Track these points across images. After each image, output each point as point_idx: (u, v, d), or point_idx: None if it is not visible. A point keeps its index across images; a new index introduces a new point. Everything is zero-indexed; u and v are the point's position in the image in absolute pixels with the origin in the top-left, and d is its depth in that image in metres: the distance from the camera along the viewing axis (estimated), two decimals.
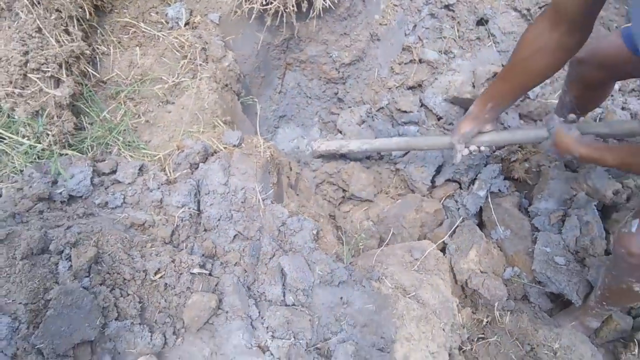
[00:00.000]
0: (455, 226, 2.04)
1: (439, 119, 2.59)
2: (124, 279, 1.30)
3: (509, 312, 1.81)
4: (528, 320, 1.81)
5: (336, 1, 2.24)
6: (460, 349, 1.76)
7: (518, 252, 1.95)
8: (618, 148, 1.51)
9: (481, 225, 2.11)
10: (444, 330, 1.62)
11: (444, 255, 1.94)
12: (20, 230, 1.25)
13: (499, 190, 2.06)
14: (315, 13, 2.21)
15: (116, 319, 1.24)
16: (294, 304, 1.46)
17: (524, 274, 1.93)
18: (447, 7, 2.78)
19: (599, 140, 1.62)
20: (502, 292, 1.84)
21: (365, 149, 2.28)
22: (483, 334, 1.83)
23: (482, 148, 1.89)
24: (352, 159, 2.50)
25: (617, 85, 2.53)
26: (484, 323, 1.83)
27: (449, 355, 1.67)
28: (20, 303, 1.17)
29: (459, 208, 2.13)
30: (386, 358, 1.46)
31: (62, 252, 1.26)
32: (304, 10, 2.21)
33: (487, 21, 2.75)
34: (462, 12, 2.77)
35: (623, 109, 2.42)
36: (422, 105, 2.63)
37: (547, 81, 2.59)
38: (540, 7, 2.61)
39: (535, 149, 2.12)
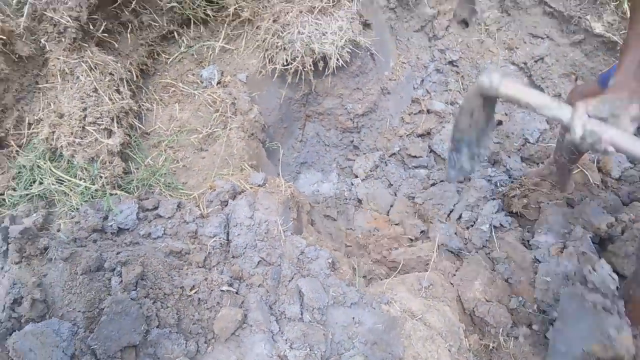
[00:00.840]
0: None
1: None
2: (165, 294, 1.52)
3: (513, 338, 1.94)
4: (531, 346, 1.93)
5: (348, 60, 2.54)
6: None
7: (522, 283, 2.09)
8: None
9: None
10: (449, 351, 1.76)
11: (452, 285, 2.10)
12: (80, 251, 1.50)
13: (501, 224, 2.23)
14: (330, 71, 2.51)
15: (157, 327, 1.45)
16: (310, 321, 1.64)
17: (529, 303, 2.06)
18: (451, 62, 3.06)
19: None
20: (507, 319, 1.97)
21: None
22: (490, 359, 1.95)
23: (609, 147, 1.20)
24: None
25: None
26: (491, 348, 1.95)
27: None
28: (79, 311, 1.40)
29: (466, 243, 2.30)
30: None
31: (114, 269, 1.50)
32: (320, 68, 2.52)
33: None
34: (465, 67, 3.05)
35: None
36: (431, 151, 2.86)
37: (547, 126, 2.80)
38: (535, 61, 2.87)
39: (534, 186, 2.30)
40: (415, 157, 2.80)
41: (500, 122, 2.88)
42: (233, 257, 1.79)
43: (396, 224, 2.54)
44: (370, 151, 2.90)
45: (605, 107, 1.19)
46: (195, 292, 1.56)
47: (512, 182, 2.41)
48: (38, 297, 1.39)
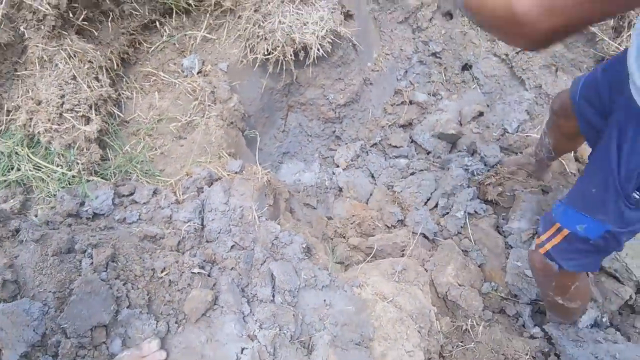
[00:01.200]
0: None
1: (428, 153, 2.84)
2: (135, 275, 1.54)
3: (483, 322, 1.97)
4: (503, 331, 1.96)
5: (330, 50, 2.55)
6: (440, 355, 1.92)
7: (494, 268, 2.13)
8: None
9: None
10: (419, 332, 1.80)
11: (425, 270, 2.13)
12: (52, 233, 1.52)
13: (475, 211, 2.26)
14: (310, 61, 2.52)
15: (127, 307, 1.48)
16: (281, 303, 1.67)
17: (500, 288, 2.09)
18: (434, 54, 3.09)
19: None
20: (478, 303, 2.00)
21: None
22: (462, 341, 1.98)
23: None
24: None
25: None
26: (463, 330, 1.98)
27: (429, 359, 1.84)
28: (50, 292, 1.43)
29: (442, 230, 2.33)
30: (363, 352, 1.64)
31: (85, 251, 1.52)
32: (301, 58, 2.53)
33: (470, 66, 3.04)
34: (448, 59, 3.07)
35: None
36: (412, 141, 2.88)
37: (527, 117, 2.83)
38: (517, 53, 2.89)
39: (509, 175, 2.33)
40: (396, 147, 2.83)
41: (481, 113, 2.91)
42: (207, 241, 1.82)
43: (374, 212, 2.56)
44: (352, 141, 2.93)
45: None
46: (166, 274, 1.59)
47: (488, 170, 2.44)
48: (9, 278, 1.42)
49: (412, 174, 2.62)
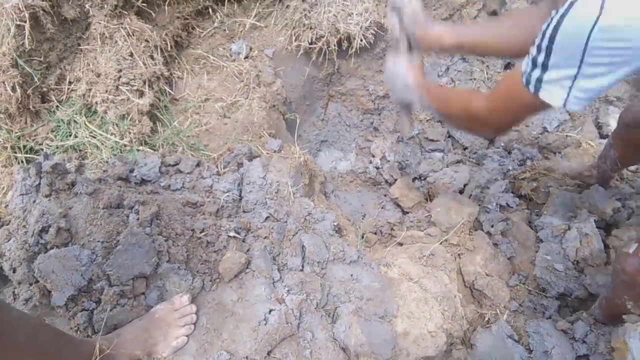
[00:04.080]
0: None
1: (465, 148, 2.85)
2: (176, 233, 1.65)
3: (507, 310, 1.98)
4: (525, 322, 1.97)
5: (372, 42, 2.62)
6: (462, 341, 1.95)
7: (523, 261, 2.13)
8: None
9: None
10: (443, 314, 1.83)
11: (454, 258, 2.16)
12: (104, 188, 1.65)
13: (507, 204, 2.26)
14: (353, 51, 2.60)
15: (167, 262, 1.59)
16: (310, 273, 1.74)
17: (529, 281, 2.09)
18: None
19: None
20: (505, 294, 2.01)
21: None
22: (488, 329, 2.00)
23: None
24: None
25: None
26: (486, 319, 2.00)
27: (451, 344, 1.87)
28: (98, 241, 1.55)
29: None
30: (385, 326, 1.69)
31: (133, 207, 1.64)
32: (344, 49, 2.61)
33: (513, 64, 3.03)
34: (490, 57, 3.08)
35: None
36: (450, 136, 2.91)
37: (568, 117, 2.80)
38: None
39: (545, 170, 2.33)
40: (432, 140, 2.86)
41: None
42: (243, 211, 1.92)
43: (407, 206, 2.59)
44: (389, 133, 2.97)
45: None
46: (205, 235, 1.69)
47: (522, 165, 2.44)
48: (63, 226, 1.55)
49: (447, 166, 2.64)
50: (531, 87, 1.24)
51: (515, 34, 1.58)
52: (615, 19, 1.04)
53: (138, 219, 1.61)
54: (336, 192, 2.71)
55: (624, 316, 1.66)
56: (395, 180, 2.65)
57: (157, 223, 1.62)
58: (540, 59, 1.19)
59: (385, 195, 2.75)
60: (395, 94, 1.89)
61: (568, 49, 1.12)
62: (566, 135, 2.69)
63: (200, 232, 1.69)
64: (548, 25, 1.15)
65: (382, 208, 2.70)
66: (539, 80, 1.21)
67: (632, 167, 2.45)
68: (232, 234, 1.71)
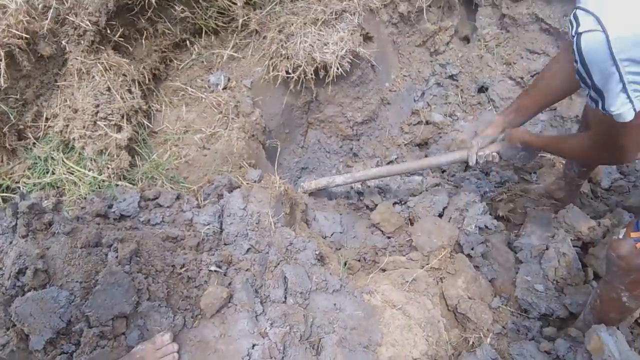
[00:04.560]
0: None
1: (443, 171, 2.90)
2: (156, 270, 1.64)
3: (490, 333, 1.99)
4: (509, 344, 1.98)
5: (348, 70, 2.67)
6: None
7: (504, 282, 2.15)
8: (551, 137, 2.05)
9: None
10: (427, 340, 1.84)
11: (436, 282, 2.17)
12: (81, 227, 1.63)
13: (486, 226, 2.30)
14: (330, 79, 2.64)
15: (147, 300, 1.57)
16: (293, 304, 1.74)
17: (511, 303, 2.12)
18: (451, 77, 3.18)
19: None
20: (488, 316, 2.03)
21: (349, 181, 2.61)
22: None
23: (491, 156, 2.11)
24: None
25: None
26: (471, 343, 2.01)
27: None
28: (76, 281, 1.53)
29: None
30: (369, 355, 1.69)
31: (111, 245, 1.63)
32: (321, 77, 2.65)
33: (486, 88, 3.12)
34: (464, 81, 3.16)
35: None
36: None
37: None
38: (532, 76, 2.96)
39: (521, 191, 2.38)
40: None
41: None
42: (225, 244, 1.91)
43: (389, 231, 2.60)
44: (368, 158, 3.01)
45: (487, 139, 2.13)
46: (185, 270, 1.68)
47: (500, 187, 2.49)
48: (41, 267, 1.52)
49: (425, 190, 2.68)
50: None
51: (559, 83, 1.91)
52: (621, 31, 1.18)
53: (117, 257, 1.59)
54: (317, 215, 2.72)
55: None
56: (376, 205, 2.67)
57: (136, 260, 1.61)
58: (592, 93, 1.33)
59: (368, 219, 2.77)
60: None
61: (605, 77, 1.25)
62: (541, 155, 2.75)
63: (181, 268, 1.68)
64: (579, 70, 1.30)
65: (365, 233, 2.71)
66: (605, 110, 1.33)
67: (605, 185, 2.52)
68: (213, 268, 1.71)
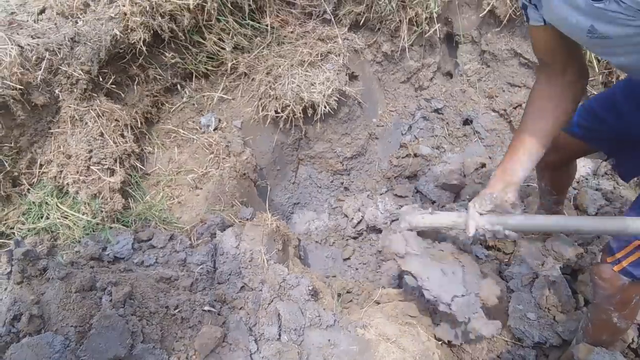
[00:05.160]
0: None
1: (433, 202, 2.95)
2: (150, 312, 1.65)
3: None
4: None
5: (336, 108, 2.75)
6: None
7: (497, 312, 2.17)
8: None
9: None
10: None
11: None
12: (76, 272, 1.65)
13: (477, 256, 2.33)
14: (318, 117, 2.72)
15: (142, 342, 1.57)
16: (287, 341, 1.75)
17: (504, 332, 2.13)
18: (436, 110, 3.27)
19: None
20: (483, 346, 2.04)
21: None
22: None
23: (507, 232, 1.53)
24: None
25: (590, 169, 2.85)
26: None
27: None
28: (71, 326, 1.54)
29: None
30: None
31: (105, 289, 1.64)
32: (310, 115, 2.73)
33: (471, 121, 3.21)
34: (449, 115, 3.25)
35: (596, 189, 2.72)
36: (417, 191, 3.01)
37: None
38: (514, 108, 3.06)
39: None
40: (401, 197, 2.95)
41: (483, 165, 3.04)
42: (218, 283, 1.93)
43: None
44: (359, 192, 3.06)
45: (487, 202, 1.52)
46: (179, 311, 1.69)
47: None
48: (35, 313, 1.54)
49: None
50: None
51: (550, 116, 1.57)
52: None
53: (111, 301, 1.61)
54: (310, 250, 2.74)
55: None
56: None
57: (130, 303, 1.62)
58: None
59: (360, 248, 2.80)
60: None
61: None
62: (527, 185, 2.81)
63: (175, 309, 1.69)
64: None
65: (356, 265, 2.74)
66: None
67: (592, 212, 2.57)
68: (206, 308, 1.72)
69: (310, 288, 1.97)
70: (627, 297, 1.66)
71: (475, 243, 1.80)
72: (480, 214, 1.53)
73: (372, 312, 2.11)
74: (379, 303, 2.28)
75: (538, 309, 2.06)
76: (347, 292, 2.38)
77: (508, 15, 2.84)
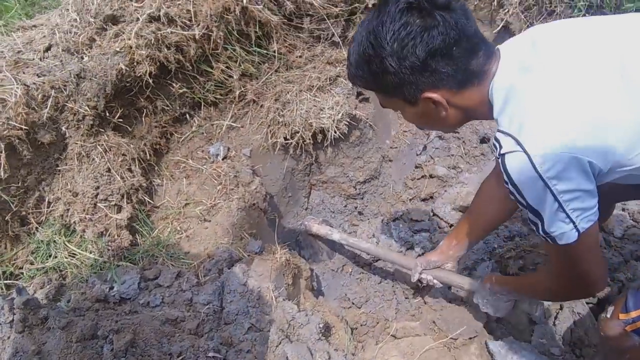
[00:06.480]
0: None
1: (451, 226, 2.84)
2: None
3: None
4: None
5: (346, 132, 2.69)
6: None
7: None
8: (517, 279, 2.02)
9: None
10: None
11: (447, 349, 2.08)
12: (77, 320, 1.62)
13: None
14: (328, 142, 2.66)
15: None
16: None
17: None
18: None
19: None
20: None
21: (342, 242, 2.54)
22: None
23: (434, 281, 2.07)
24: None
25: None
26: None
27: None
28: None
29: None
30: None
31: (107, 337, 1.60)
32: (320, 140, 2.68)
33: (488, 139, 3.09)
34: (466, 133, 3.15)
35: (622, 210, 2.58)
36: (434, 214, 2.90)
37: None
38: None
39: (530, 247, 2.30)
40: (417, 221, 2.85)
41: None
42: (225, 323, 1.87)
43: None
44: (373, 216, 2.97)
45: (431, 264, 2.07)
46: (182, 359, 1.63)
47: (508, 243, 2.42)
48: None
49: (433, 247, 2.61)
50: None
51: (492, 210, 1.93)
52: (542, 149, 1.12)
53: (112, 350, 1.56)
54: (325, 279, 2.67)
55: None
56: None
57: (132, 352, 1.58)
58: (531, 216, 1.24)
59: (374, 275, 2.72)
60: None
61: (539, 196, 1.18)
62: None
63: (178, 356, 1.63)
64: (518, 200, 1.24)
65: (372, 294, 2.65)
66: (546, 233, 1.25)
67: (618, 234, 2.44)
68: (211, 354, 1.66)
69: (320, 326, 1.90)
70: (637, 355, 1.53)
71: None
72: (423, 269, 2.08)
73: (388, 349, 2.02)
74: (395, 337, 2.19)
75: (562, 344, 1.94)
76: (362, 325, 2.29)
77: (522, 31, 2.73)
